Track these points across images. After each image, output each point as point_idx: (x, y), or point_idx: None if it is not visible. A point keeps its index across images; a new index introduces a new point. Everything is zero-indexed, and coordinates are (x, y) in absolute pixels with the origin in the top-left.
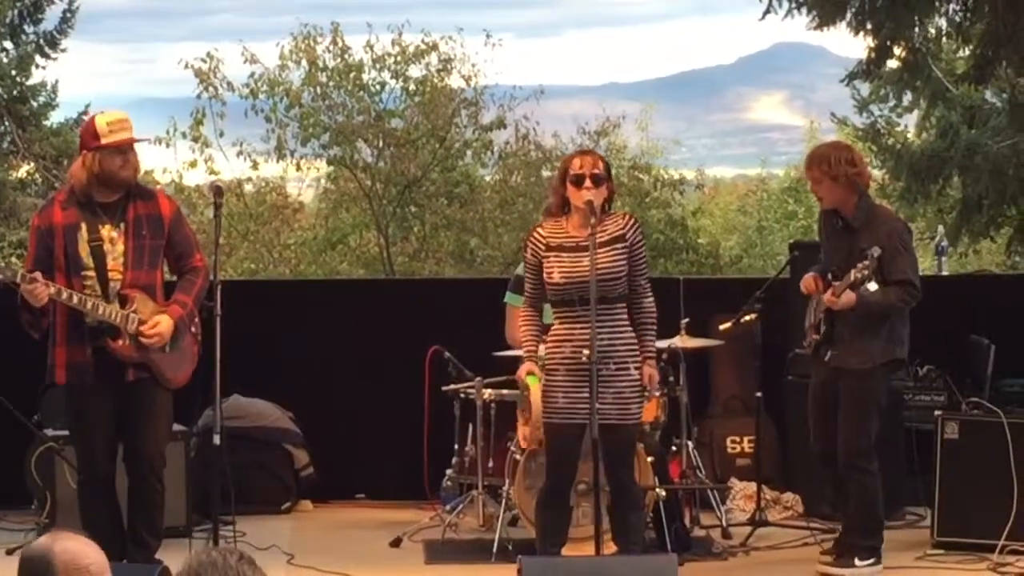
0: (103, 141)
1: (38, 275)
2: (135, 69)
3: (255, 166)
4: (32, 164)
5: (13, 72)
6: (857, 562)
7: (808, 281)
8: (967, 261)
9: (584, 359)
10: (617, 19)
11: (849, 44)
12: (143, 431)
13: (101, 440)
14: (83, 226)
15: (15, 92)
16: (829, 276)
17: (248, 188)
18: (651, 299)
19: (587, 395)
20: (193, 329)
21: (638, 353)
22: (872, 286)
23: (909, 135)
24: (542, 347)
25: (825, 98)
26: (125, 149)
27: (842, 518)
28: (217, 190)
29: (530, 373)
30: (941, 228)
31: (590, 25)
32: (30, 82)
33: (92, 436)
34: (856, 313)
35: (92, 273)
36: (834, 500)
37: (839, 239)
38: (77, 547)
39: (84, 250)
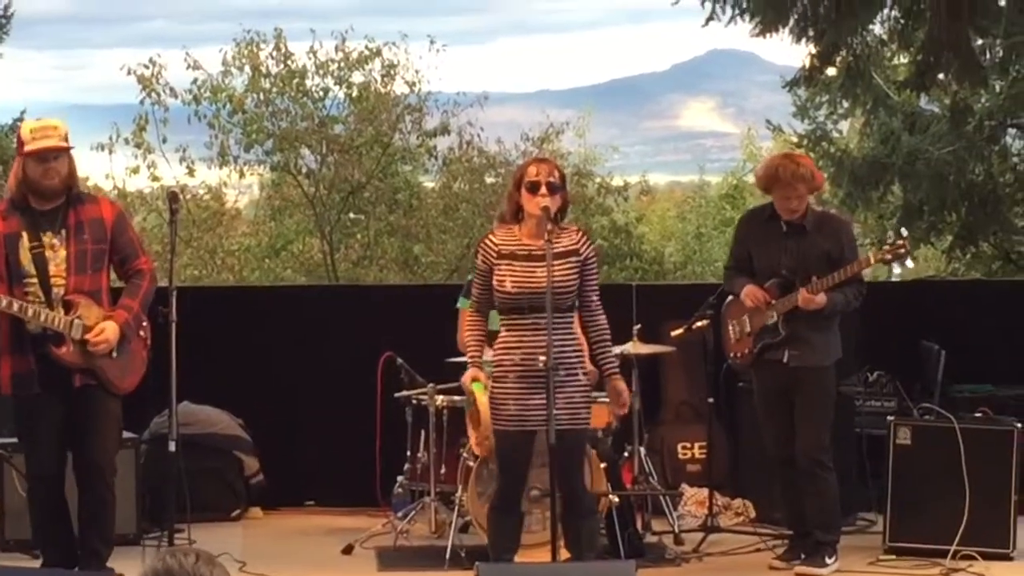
0: (25, 148)
1: None
2: (70, 75)
3: (191, 172)
4: None
5: None
6: (827, 560)
7: (755, 292)
8: (907, 270)
9: (541, 365)
10: (549, 26)
11: (782, 51)
12: (92, 439)
13: (49, 448)
14: (24, 234)
15: None
16: (776, 281)
17: (188, 195)
18: (603, 316)
19: (537, 402)
20: (142, 333)
21: (584, 359)
22: (909, 263)
23: (849, 142)
24: (488, 352)
25: (757, 105)
26: (47, 157)
27: (796, 518)
28: (173, 196)
29: (475, 379)
30: (891, 234)
31: (522, 32)
32: None
33: (40, 444)
34: (823, 313)
35: (34, 280)
36: (788, 503)
37: (784, 242)
38: None
39: (25, 257)
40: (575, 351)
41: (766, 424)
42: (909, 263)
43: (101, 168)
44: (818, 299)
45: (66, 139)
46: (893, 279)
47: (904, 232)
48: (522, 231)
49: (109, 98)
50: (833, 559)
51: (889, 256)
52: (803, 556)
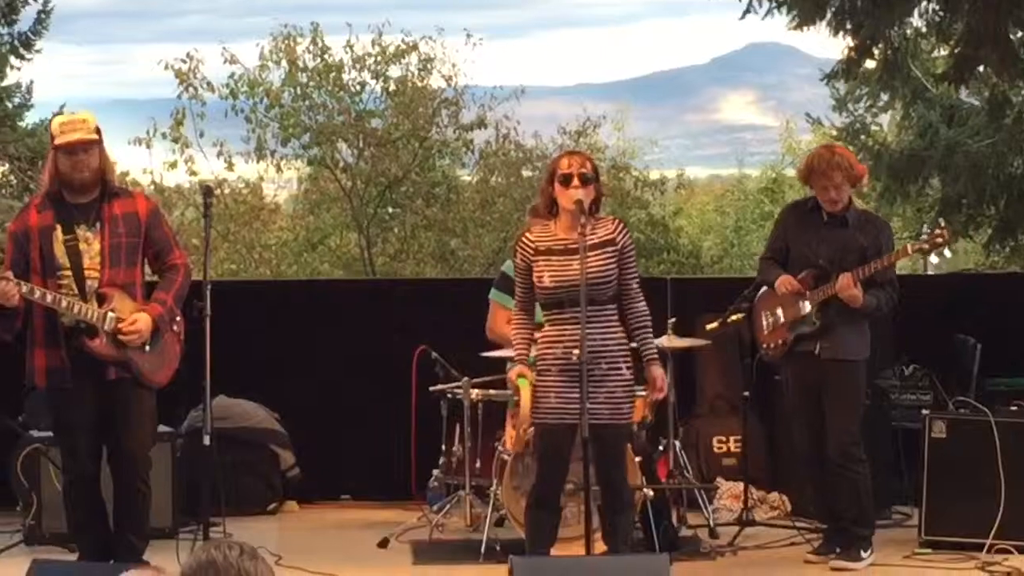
0: (55, 142)
1: (8, 275)
2: (109, 70)
3: (230, 167)
4: (7, 165)
5: None
6: (863, 553)
7: (791, 282)
8: (946, 260)
9: (574, 359)
10: (588, 20)
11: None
12: (127, 432)
13: (85, 441)
14: (58, 227)
15: None
16: (811, 272)
17: (226, 189)
18: (644, 302)
19: (577, 396)
20: (175, 328)
21: (628, 353)
22: (947, 253)
23: (887, 135)
24: (533, 348)
25: (798, 98)
26: (75, 150)
27: (828, 512)
28: (207, 190)
29: (520, 376)
30: (926, 227)
31: (561, 26)
32: (4, 83)
33: (75, 437)
34: (858, 308)
35: (68, 273)
36: (819, 497)
37: (826, 233)
38: None
39: (59, 250)
40: (618, 344)
41: (796, 417)
42: (947, 253)
43: (139, 163)
44: (856, 289)
45: (96, 132)
46: (929, 272)
47: (942, 222)
48: (557, 225)
49: (147, 93)
50: (868, 552)
51: (927, 246)
52: (838, 550)
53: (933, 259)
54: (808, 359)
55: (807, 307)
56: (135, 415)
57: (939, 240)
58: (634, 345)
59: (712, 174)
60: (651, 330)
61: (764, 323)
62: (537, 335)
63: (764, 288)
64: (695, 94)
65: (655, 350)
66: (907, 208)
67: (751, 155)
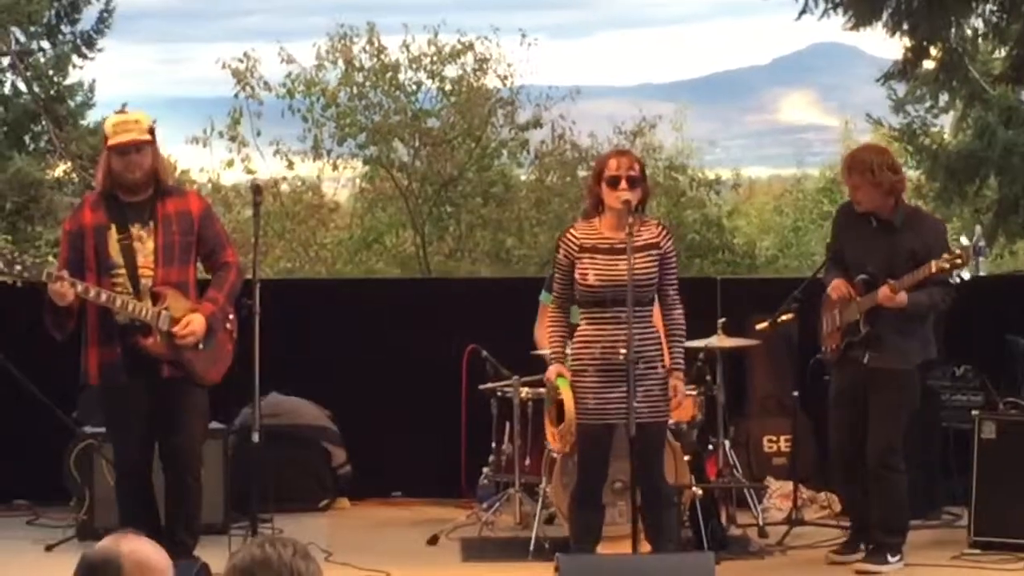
0: (108, 142)
1: (64, 273)
2: (170, 69)
3: (291, 165)
4: (69, 163)
5: (51, 72)
6: (889, 558)
7: (841, 287)
8: (1003, 262)
9: (621, 358)
10: (649, 20)
11: (885, 45)
12: (179, 430)
13: (137, 438)
14: (112, 226)
15: (52, 91)
16: (862, 278)
17: (284, 188)
18: (681, 310)
19: (617, 395)
20: (228, 326)
21: (662, 352)
22: (965, 275)
23: (945, 136)
24: (568, 347)
25: (859, 99)
26: (127, 150)
27: (855, 511)
28: (256, 188)
29: (559, 375)
30: (979, 228)
31: (622, 26)
32: (67, 82)
33: (128, 434)
34: (906, 313)
35: (123, 271)
36: (849, 496)
37: (874, 240)
38: (145, 548)
39: (114, 249)
40: (654, 344)
41: (836, 422)
42: (965, 275)
43: (197, 161)
44: (899, 298)
45: (148, 133)
46: (981, 273)
47: (964, 242)
48: (603, 224)
49: (207, 92)
50: (897, 559)
51: (947, 265)
52: (862, 547)
53: (964, 275)
54: (855, 366)
55: (856, 314)
56: (187, 412)
57: (957, 262)
58: (690, 345)
59: (773, 174)
60: (683, 341)
61: (825, 324)
62: (573, 335)
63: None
64: (756, 94)
65: (682, 362)
66: (964, 209)
67: (814, 155)
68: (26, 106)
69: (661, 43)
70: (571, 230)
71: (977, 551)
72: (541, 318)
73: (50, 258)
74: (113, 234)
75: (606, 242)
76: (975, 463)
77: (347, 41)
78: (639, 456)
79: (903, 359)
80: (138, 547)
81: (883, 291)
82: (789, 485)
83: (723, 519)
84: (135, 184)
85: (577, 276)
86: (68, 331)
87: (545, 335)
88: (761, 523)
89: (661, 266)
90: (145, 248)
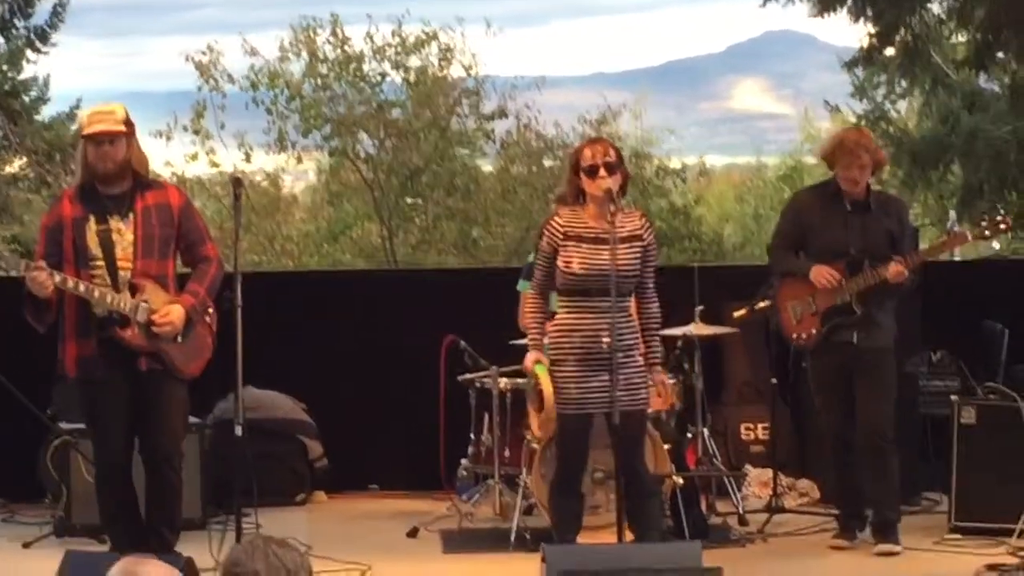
0: (83, 132)
1: (42, 263)
2: (124, 62)
3: (248, 158)
4: (24, 159)
5: (4, 66)
6: (899, 536)
7: (829, 272)
8: (968, 247)
9: (604, 347)
10: (604, 8)
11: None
12: (159, 424)
13: (116, 432)
14: (91, 218)
15: (6, 87)
16: (846, 260)
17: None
18: (657, 304)
19: (597, 384)
20: (207, 319)
21: (640, 341)
22: (996, 244)
23: (907, 122)
24: (545, 337)
25: (814, 86)
26: (101, 140)
27: (853, 497)
28: (236, 181)
29: (537, 362)
30: (953, 213)
31: (577, 15)
32: (21, 76)
33: (107, 428)
34: (900, 291)
35: (101, 263)
36: (847, 482)
37: (853, 221)
38: (160, 572)
39: (92, 241)
40: (632, 333)
41: (827, 405)
42: (995, 244)
43: (159, 155)
44: (905, 275)
45: (124, 124)
46: (956, 258)
47: (1003, 210)
48: (587, 213)
49: (164, 85)
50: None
51: (988, 232)
52: (859, 533)
53: (995, 244)
54: (844, 348)
55: (846, 297)
56: (167, 407)
57: (1001, 227)
58: (668, 333)
59: (729, 162)
60: (660, 332)
61: (791, 314)
62: (548, 324)
63: (783, 278)
64: (711, 82)
65: (659, 355)
66: (928, 195)
67: (768, 143)
68: None
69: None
70: (555, 217)
71: (957, 536)
72: (522, 306)
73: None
74: (92, 226)
75: (591, 231)
76: (955, 448)
77: (310, 32)
78: (620, 444)
79: (888, 337)
80: (153, 570)
81: (896, 268)
82: (767, 473)
83: (703, 508)
84: (107, 175)
85: (560, 264)
86: (48, 323)
87: (526, 321)
88: (741, 511)
89: (643, 258)
90: (124, 240)
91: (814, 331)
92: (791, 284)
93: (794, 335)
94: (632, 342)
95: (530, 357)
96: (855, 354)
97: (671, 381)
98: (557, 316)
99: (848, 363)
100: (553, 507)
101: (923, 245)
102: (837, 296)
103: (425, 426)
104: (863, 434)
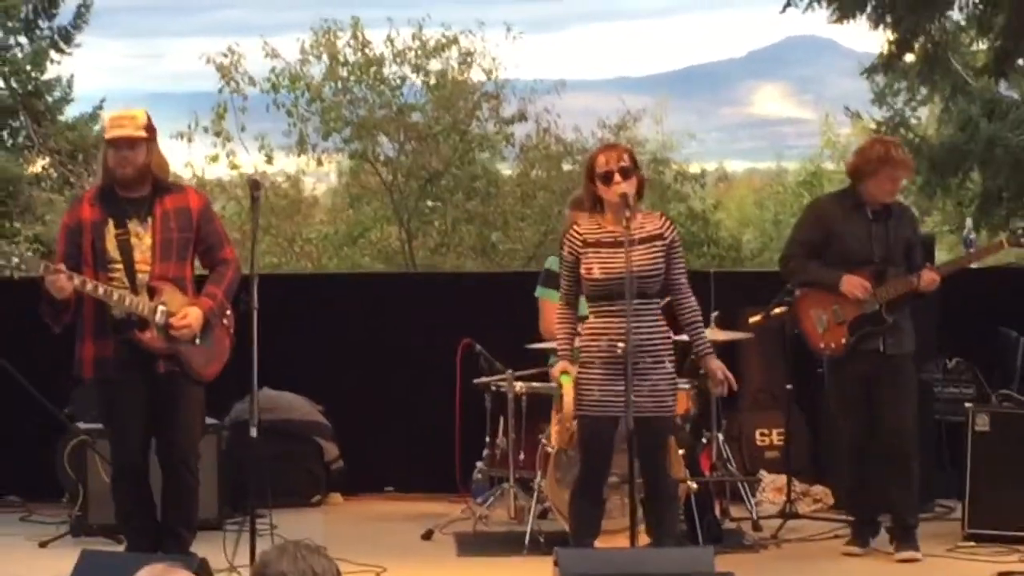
0: (105, 136)
1: (61, 267)
2: (147, 64)
3: (269, 160)
4: (47, 159)
5: (28, 67)
6: (918, 542)
7: (861, 282)
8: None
9: (619, 352)
10: (623, 13)
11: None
12: (176, 425)
13: (133, 433)
14: (110, 221)
15: (30, 87)
16: (873, 269)
17: (265, 183)
18: (694, 298)
19: (622, 388)
20: (225, 322)
21: (672, 347)
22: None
23: (927, 129)
24: (577, 340)
25: (834, 92)
26: (120, 145)
27: (872, 504)
28: (254, 183)
29: (564, 372)
30: (969, 221)
31: (596, 20)
32: (45, 77)
33: (124, 429)
34: (924, 298)
35: (120, 267)
36: (866, 489)
37: (876, 230)
38: None
39: (111, 244)
40: (662, 338)
41: (850, 413)
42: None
43: (180, 156)
44: (936, 283)
45: (144, 130)
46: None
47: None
48: (605, 219)
49: (186, 86)
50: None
51: None
52: (872, 540)
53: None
54: (872, 356)
55: (875, 306)
56: (184, 408)
57: None
58: (684, 338)
59: (749, 167)
60: (703, 325)
61: (815, 323)
62: (581, 327)
63: (804, 287)
64: (732, 87)
65: (709, 344)
66: (947, 202)
67: (789, 148)
68: (3, 101)
69: (635, 37)
70: (575, 226)
71: (971, 543)
72: (544, 315)
73: (29, 254)
74: (111, 229)
75: (610, 235)
76: (969, 456)
77: (331, 35)
78: (643, 451)
79: (912, 341)
80: None
81: (930, 276)
82: (782, 478)
83: (717, 513)
84: (127, 179)
85: (583, 271)
86: (63, 324)
87: (554, 331)
88: (755, 517)
89: (668, 257)
90: (142, 244)
91: (843, 341)
92: (812, 293)
93: (821, 344)
94: (661, 347)
95: (557, 367)
96: (881, 361)
97: (685, 385)
98: (587, 321)
99: (872, 371)
100: (573, 511)
101: (939, 252)
102: (865, 305)
103: (440, 429)
104: (887, 439)
